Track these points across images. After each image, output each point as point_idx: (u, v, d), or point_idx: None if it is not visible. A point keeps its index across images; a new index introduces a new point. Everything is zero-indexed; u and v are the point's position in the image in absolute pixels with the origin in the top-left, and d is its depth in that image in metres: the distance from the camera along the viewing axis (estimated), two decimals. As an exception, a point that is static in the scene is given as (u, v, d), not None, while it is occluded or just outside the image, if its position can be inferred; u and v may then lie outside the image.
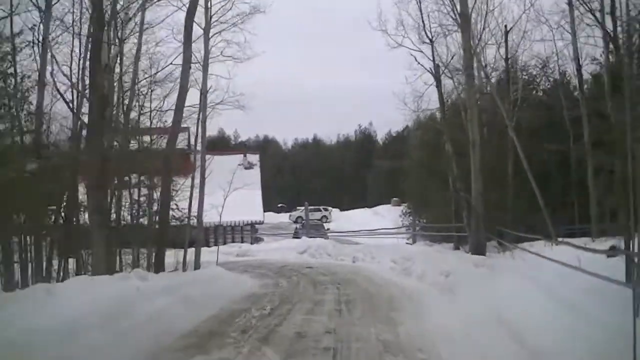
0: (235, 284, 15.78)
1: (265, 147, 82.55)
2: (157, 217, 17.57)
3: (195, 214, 20.97)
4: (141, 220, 17.57)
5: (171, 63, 19.42)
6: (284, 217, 62.36)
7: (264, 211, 67.10)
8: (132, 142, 19.71)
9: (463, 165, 20.25)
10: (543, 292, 8.98)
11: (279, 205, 68.26)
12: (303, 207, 64.00)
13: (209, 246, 37.27)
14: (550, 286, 9.20)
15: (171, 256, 20.36)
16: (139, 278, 10.70)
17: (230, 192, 22.27)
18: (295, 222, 57.27)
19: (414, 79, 23.51)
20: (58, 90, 15.74)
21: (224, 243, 38.96)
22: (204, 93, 21.45)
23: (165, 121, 21.31)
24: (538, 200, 20.17)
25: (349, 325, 9.15)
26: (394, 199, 63.80)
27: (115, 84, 17.97)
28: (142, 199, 17.78)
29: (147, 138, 20.55)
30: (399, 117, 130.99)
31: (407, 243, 29.24)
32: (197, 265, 20.38)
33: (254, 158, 45.98)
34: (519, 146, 19.87)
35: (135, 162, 17.01)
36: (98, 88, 13.17)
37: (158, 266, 15.65)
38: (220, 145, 69.31)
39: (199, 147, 23.90)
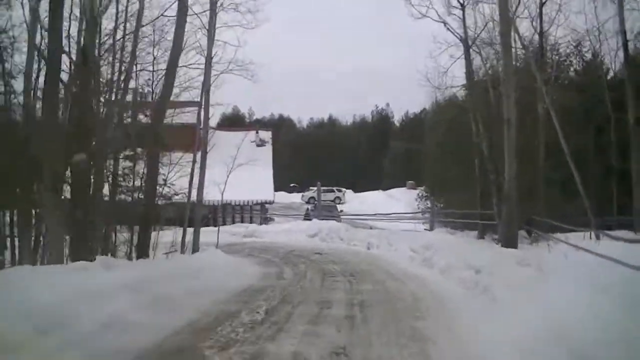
0: (231, 274, 13.54)
1: (279, 126, 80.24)
2: (139, 194, 15.33)
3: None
4: (122, 196, 15.23)
5: (162, 14, 17.01)
6: (296, 197, 60.18)
7: (276, 191, 65.07)
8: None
9: (490, 147, 17.86)
10: (619, 305, 6.71)
11: (292, 185, 66.01)
12: (316, 188, 61.89)
13: (215, 226, 35.34)
14: (624, 296, 6.93)
15: (170, 236, 18.37)
16: (103, 268, 8.51)
17: (234, 169, 20.08)
18: (308, 202, 55.08)
19: (438, 52, 21.19)
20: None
21: (233, 222, 36.93)
22: (208, 59, 19.20)
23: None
24: (572, 187, 17.81)
25: (364, 344, 6.83)
26: (409, 182, 61.43)
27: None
28: (126, 172, 15.49)
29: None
30: (417, 98, 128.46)
31: (425, 229, 26.96)
32: (195, 248, 18.26)
33: (266, 135, 43.72)
34: (558, 127, 17.38)
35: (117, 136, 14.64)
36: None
37: (141, 250, 13.44)
38: (235, 122, 67.21)
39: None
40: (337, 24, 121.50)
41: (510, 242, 15.43)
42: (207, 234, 29.25)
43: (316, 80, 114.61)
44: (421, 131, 63.89)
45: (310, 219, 32.27)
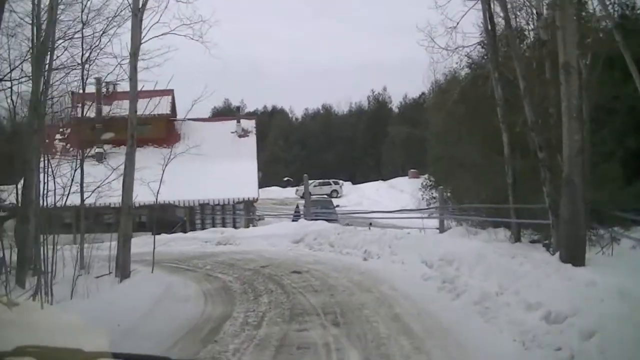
0: (131, 333, 8.04)
1: (272, 118, 74.70)
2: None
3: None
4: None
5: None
6: (290, 192, 54.66)
7: (269, 185, 59.69)
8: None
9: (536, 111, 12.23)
10: None
11: (285, 179, 60.43)
12: (311, 182, 56.29)
13: (193, 230, 29.89)
14: None
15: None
16: None
17: (170, 162, 14.68)
18: (302, 197, 49.56)
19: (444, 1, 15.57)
20: None
21: (213, 225, 31.51)
22: (135, 12, 13.69)
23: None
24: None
25: None
26: (412, 170, 55.90)
27: None
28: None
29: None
30: (416, 83, 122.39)
31: (439, 229, 21.45)
32: (124, 271, 12.88)
33: (249, 124, 38.11)
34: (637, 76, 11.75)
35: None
36: None
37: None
38: (227, 116, 61.49)
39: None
40: (334, 14, 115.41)
41: (575, 250, 9.92)
42: (180, 242, 24.11)
43: (312, 72, 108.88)
44: (422, 116, 58.41)
45: (300, 218, 26.78)
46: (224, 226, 31.13)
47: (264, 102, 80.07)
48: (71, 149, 33.55)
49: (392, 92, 77.39)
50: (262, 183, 60.24)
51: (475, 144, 18.92)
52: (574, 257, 9.82)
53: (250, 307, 9.79)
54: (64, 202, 12.97)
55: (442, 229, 22.94)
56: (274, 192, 55.51)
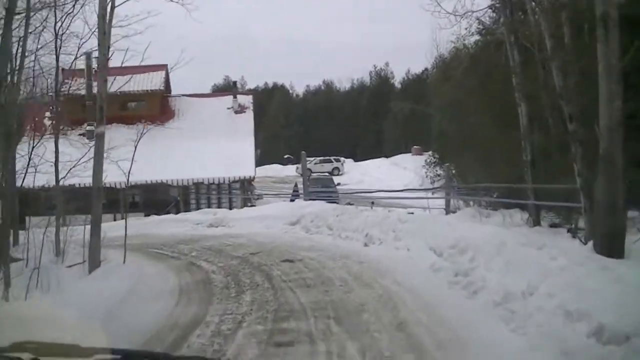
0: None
1: (273, 94, 72.77)
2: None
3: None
4: None
5: None
6: (290, 170, 52.94)
7: (269, 163, 57.94)
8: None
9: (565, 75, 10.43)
10: None
11: (286, 156, 58.67)
12: (312, 159, 54.53)
13: (188, 210, 28.29)
14: None
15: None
16: None
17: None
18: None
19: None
20: None
21: (208, 206, 29.90)
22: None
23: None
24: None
25: None
26: (415, 147, 54.20)
27: None
28: None
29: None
30: (418, 60, 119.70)
31: (445, 209, 19.86)
32: (94, 262, 11.36)
33: (246, 100, 36.28)
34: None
35: None
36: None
37: None
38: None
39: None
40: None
41: (613, 240, 8.30)
42: (170, 224, 22.52)
43: (314, 50, 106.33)
44: (425, 91, 56.43)
45: (298, 198, 25.17)
46: (219, 206, 29.57)
47: (264, 80, 78.18)
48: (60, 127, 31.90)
49: (395, 68, 75.18)
50: (262, 161, 58.57)
51: (486, 117, 17.19)
52: (612, 248, 8.24)
53: (228, 308, 8.18)
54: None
55: (448, 209, 21.38)
56: (274, 170, 53.89)
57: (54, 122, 19.21)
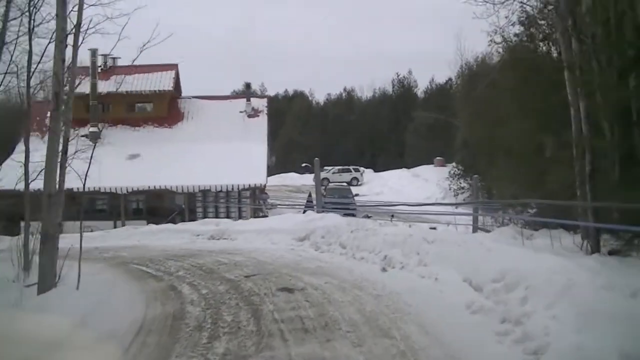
0: None
1: (292, 101, 70.58)
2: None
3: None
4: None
5: None
6: (308, 179, 50.46)
7: (286, 172, 55.51)
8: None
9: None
10: None
11: (303, 165, 56.21)
12: (330, 168, 52.12)
13: (193, 220, 25.95)
14: None
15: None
16: None
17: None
18: (321, 184, 45.48)
19: None
20: None
21: (215, 215, 27.64)
22: None
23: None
24: None
25: None
26: (438, 158, 51.60)
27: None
28: None
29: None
30: (441, 70, 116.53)
31: (472, 226, 17.34)
32: (45, 283, 9.06)
33: (260, 103, 33.95)
34: None
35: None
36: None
37: None
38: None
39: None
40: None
41: None
42: (171, 234, 20.33)
43: (335, 60, 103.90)
44: (448, 102, 53.82)
45: (312, 210, 22.70)
46: (228, 215, 27.34)
47: (285, 87, 76.02)
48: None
49: (418, 76, 72.34)
50: (279, 169, 56.36)
51: (528, 121, 14.58)
52: None
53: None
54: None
55: (476, 226, 18.84)
56: (291, 179, 51.62)
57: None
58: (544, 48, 12.44)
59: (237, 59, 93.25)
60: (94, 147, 9.87)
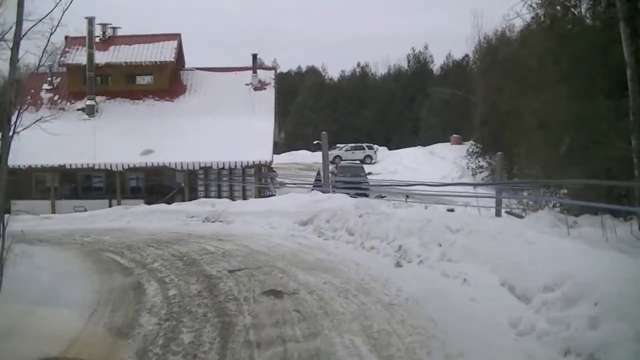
0: None
1: (305, 77, 68.19)
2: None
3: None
4: None
5: None
6: (319, 157, 48.27)
7: (298, 149, 53.37)
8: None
9: None
10: None
11: (315, 142, 54.03)
12: (343, 145, 49.80)
13: (194, 198, 23.86)
14: None
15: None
16: None
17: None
18: (332, 162, 43.26)
19: None
20: None
21: (218, 195, 25.55)
22: None
23: None
24: None
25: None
26: (454, 135, 49.20)
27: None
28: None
29: None
30: (458, 45, 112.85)
31: (496, 209, 15.14)
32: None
33: (267, 76, 31.65)
34: None
35: None
36: None
37: None
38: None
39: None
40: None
41: None
42: (158, 215, 18.42)
43: (349, 39, 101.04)
44: (465, 78, 51.20)
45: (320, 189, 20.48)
46: (231, 195, 25.26)
47: (297, 63, 73.59)
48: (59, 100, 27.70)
49: (434, 50, 69.57)
50: (291, 146, 54.12)
51: (568, 85, 12.22)
52: None
53: None
54: None
55: (499, 209, 16.58)
56: (302, 157, 49.52)
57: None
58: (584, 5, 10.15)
59: (248, 39, 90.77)
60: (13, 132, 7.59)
